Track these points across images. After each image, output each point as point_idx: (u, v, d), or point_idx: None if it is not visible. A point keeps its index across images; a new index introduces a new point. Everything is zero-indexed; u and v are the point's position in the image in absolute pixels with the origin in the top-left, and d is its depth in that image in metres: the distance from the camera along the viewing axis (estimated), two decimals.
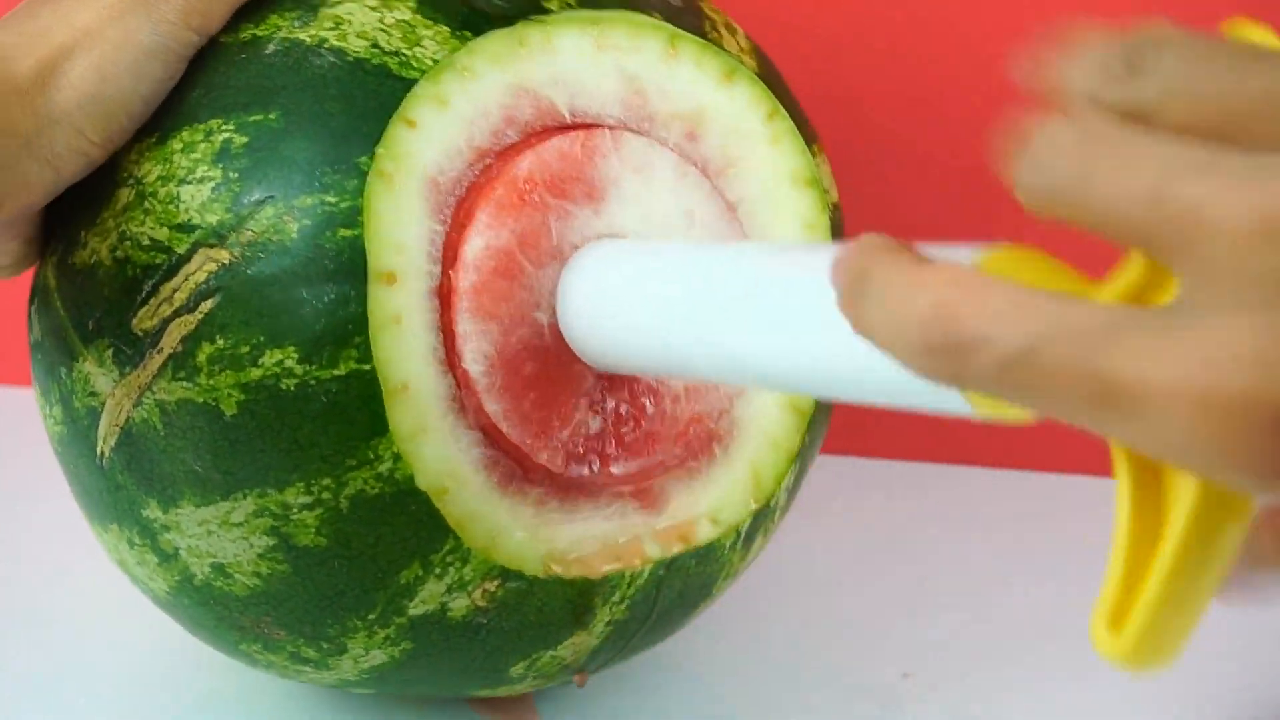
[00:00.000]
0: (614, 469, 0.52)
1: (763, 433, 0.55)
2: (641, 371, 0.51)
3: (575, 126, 0.52)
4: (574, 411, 0.52)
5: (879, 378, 0.38)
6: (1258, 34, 0.33)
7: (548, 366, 0.52)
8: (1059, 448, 0.83)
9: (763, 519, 0.57)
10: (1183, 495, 0.31)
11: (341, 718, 0.63)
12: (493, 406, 0.50)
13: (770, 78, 0.57)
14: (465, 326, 0.50)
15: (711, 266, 0.46)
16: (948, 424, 0.84)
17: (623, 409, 0.53)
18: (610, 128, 0.53)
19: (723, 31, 0.56)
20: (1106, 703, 0.63)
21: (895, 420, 0.81)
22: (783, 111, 0.55)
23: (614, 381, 0.53)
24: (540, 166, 0.51)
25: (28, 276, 0.92)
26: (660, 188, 0.53)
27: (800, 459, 0.57)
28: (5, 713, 0.62)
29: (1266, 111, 0.31)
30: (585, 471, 0.52)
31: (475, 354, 0.50)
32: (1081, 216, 0.32)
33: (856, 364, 0.39)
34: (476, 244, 0.50)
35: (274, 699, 0.64)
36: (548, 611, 0.53)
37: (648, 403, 0.53)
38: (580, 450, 0.52)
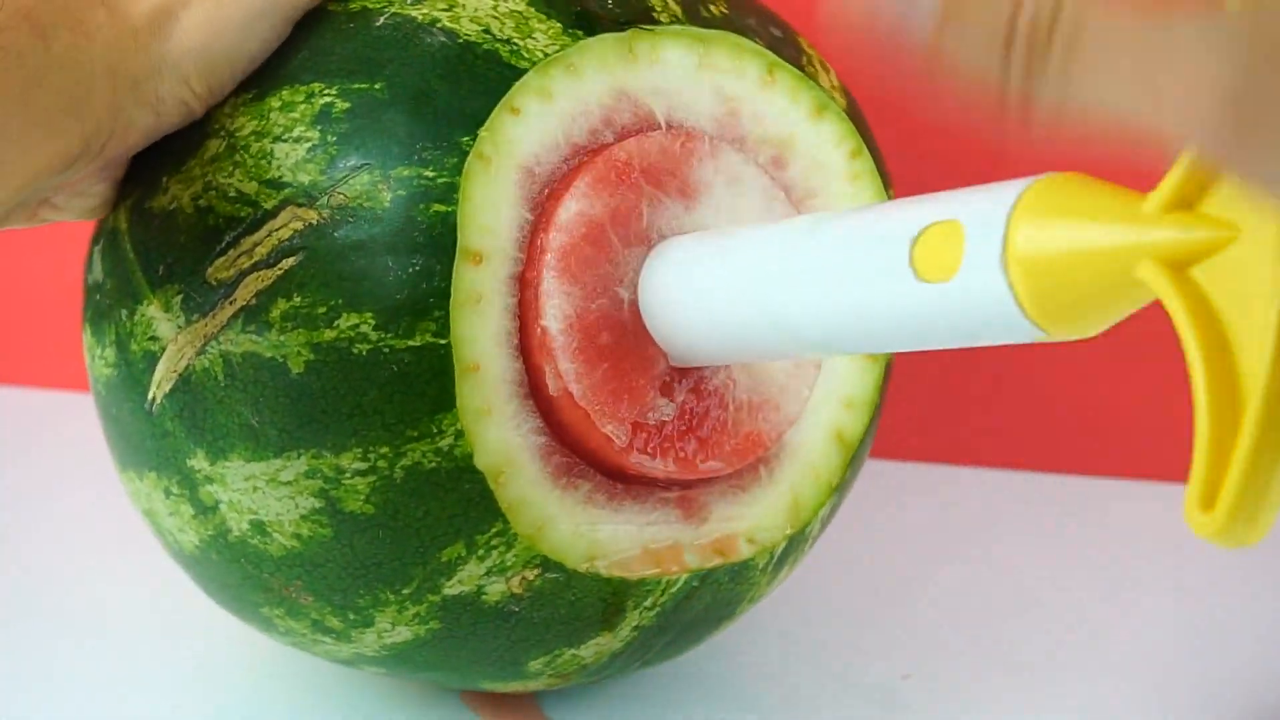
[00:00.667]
0: (670, 463, 0.53)
1: (807, 462, 0.56)
2: (711, 356, 0.52)
3: (651, 134, 0.54)
4: (644, 392, 0.52)
5: (952, 322, 0.40)
6: None
7: (623, 341, 0.52)
8: (1060, 448, 0.84)
9: (795, 546, 0.57)
10: (1256, 376, 0.33)
11: (345, 717, 0.63)
12: (566, 366, 0.51)
13: (856, 118, 0.58)
14: (549, 284, 0.51)
15: (773, 240, 0.48)
16: (948, 426, 0.85)
17: (689, 405, 0.53)
18: (710, 138, 0.54)
19: (818, 67, 0.58)
20: (1107, 703, 0.63)
21: (896, 422, 0.82)
22: (865, 151, 0.56)
23: (684, 375, 0.53)
24: (640, 153, 0.52)
25: (26, 273, 0.93)
26: (748, 204, 0.54)
27: (839, 492, 0.58)
28: (5, 711, 0.62)
29: None
30: (644, 458, 0.52)
31: (556, 313, 0.51)
32: None
33: (927, 315, 0.41)
34: (571, 208, 0.51)
35: (283, 706, 0.64)
36: (580, 607, 0.53)
37: (712, 405, 0.54)
38: (644, 435, 0.52)
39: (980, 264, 0.38)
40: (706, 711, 0.63)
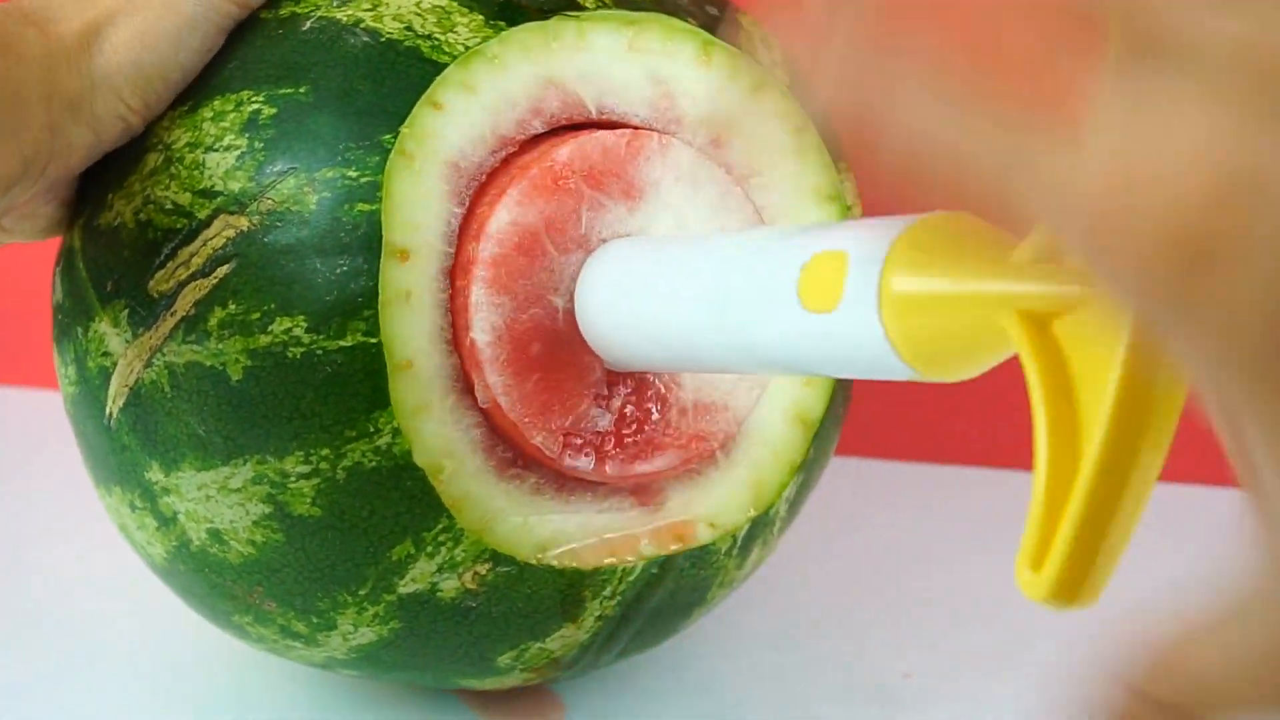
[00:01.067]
0: (608, 468, 0.52)
1: (766, 442, 0.55)
2: (642, 366, 0.52)
3: (602, 123, 0.53)
4: (578, 401, 0.52)
5: (832, 355, 0.40)
6: None
7: (557, 351, 0.52)
8: None
9: (761, 528, 0.57)
10: (1093, 438, 0.31)
11: (344, 716, 0.63)
12: (494, 379, 0.50)
13: (801, 93, 0.57)
14: (478, 296, 0.50)
15: (702, 257, 0.47)
16: (949, 425, 0.84)
17: (628, 410, 0.53)
18: (659, 132, 0.53)
19: (757, 43, 0.57)
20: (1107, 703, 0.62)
21: (895, 421, 0.81)
22: (811, 126, 0.55)
23: (622, 380, 0.53)
24: (581, 156, 0.52)
25: (25, 276, 0.94)
26: (701, 200, 0.53)
27: (803, 471, 0.57)
28: (5, 711, 0.63)
29: None
30: (579, 464, 0.52)
31: (484, 324, 0.50)
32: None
33: (809, 345, 0.41)
34: (503, 217, 0.51)
35: (283, 706, 0.64)
36: (537, 600, 0.53)
37: (653, 409, 0.53)
38: (578, 442, 0.52)
39: (857, 299, 0.38)
40: (705, 712, 0.62)
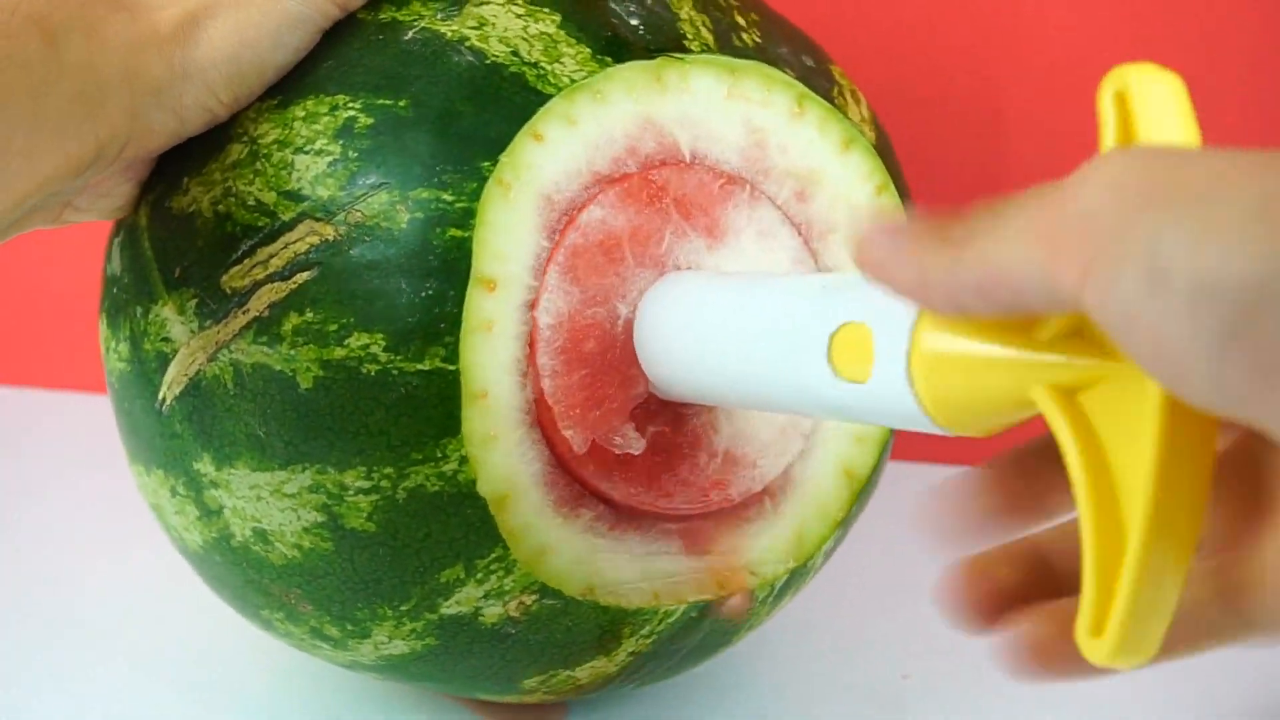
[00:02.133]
0: (623, 488, 0.52)
1: (813, 496, 0.56)
2: (679, 392, 0.52)
3: (694, 167, 0.53)
4: (616, 411, 0.52)
5: (866, 416, 0.43)
6: (1160, 80, 0.34)
7: (608, 354, 0.52)
8: None
9: (797, 578, 0.57)
10: (1136, 506, 0.33)
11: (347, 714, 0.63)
12: (544, 360, 0.51)
13: (885, 151, 0.57)
14: (552, 279, 0.51)
15: (742, 301, 0.48)
16: None
17: (663, 437, 0.53)
18: (752, 185, 0.54)
19: (848, 99, 0.57)
20: (1106, 703, 0.63)
21: None
22: (892, 187, 0.56)
23: (664, 406, 0.53)
24: (678, 183, 0.52)
25: (27, 274, 0.93)
26: (774, 261, 0.53)
27: (844, 526, 0.57)
28: (5, 709, 0.62)
29: None
30: (600, 475, 0.52)
31: (550, 306, 0.51)
32: None
33: (844, 408, 0.43)
34: (595, 213, 0.51)
35: (284, 704, 0.64)
36: (576, 633, 0.53)
37: (685, 444, 0.54)
38: (605, 451, 0.52)
39: (889, 376, 0.40)
40: (705, 711, 0.63)
